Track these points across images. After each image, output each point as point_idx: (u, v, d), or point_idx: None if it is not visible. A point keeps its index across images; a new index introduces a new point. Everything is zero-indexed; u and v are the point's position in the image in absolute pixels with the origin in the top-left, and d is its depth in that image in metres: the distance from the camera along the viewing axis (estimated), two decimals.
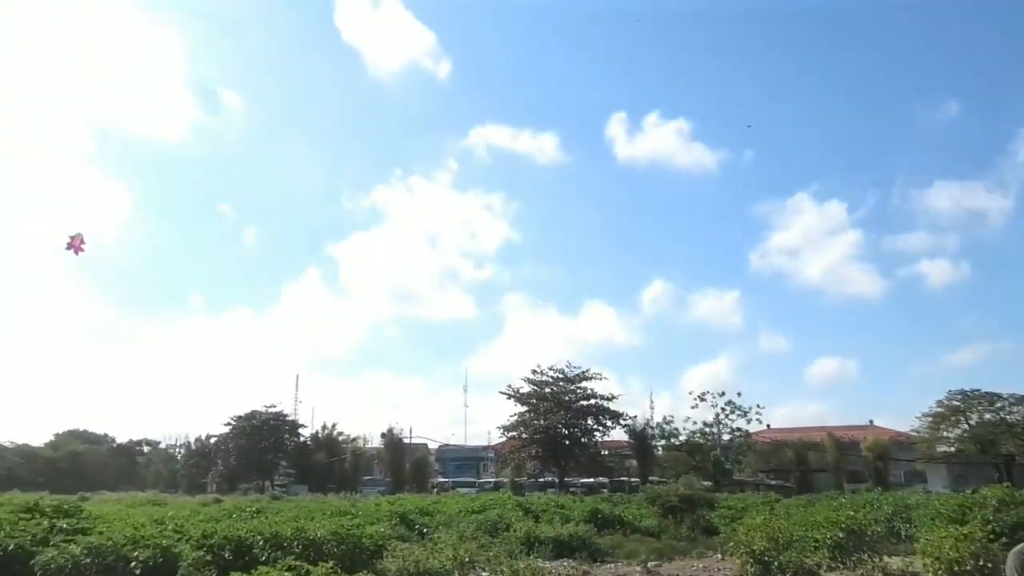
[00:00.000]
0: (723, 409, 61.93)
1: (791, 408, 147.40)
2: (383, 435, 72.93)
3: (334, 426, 79.57)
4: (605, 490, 55.90)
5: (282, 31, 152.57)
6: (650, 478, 57.44)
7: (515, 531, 21.03)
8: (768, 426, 70.61)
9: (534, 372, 63.29)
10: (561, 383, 62.59)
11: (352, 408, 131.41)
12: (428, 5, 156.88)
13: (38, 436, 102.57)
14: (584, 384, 62.45)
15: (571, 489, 55.88)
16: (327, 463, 72.58)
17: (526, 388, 63.11)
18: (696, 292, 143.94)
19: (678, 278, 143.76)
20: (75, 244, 22.23)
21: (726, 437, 62.91)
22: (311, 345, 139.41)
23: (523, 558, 16.28)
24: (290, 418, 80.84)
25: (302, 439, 78.96)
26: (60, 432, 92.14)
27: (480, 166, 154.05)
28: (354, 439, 79.12)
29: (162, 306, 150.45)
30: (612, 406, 62.16)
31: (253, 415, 76.16)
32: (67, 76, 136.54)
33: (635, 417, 64.46)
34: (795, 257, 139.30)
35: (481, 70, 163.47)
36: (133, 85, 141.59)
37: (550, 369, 63.30)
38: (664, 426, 65.24)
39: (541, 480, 63.34)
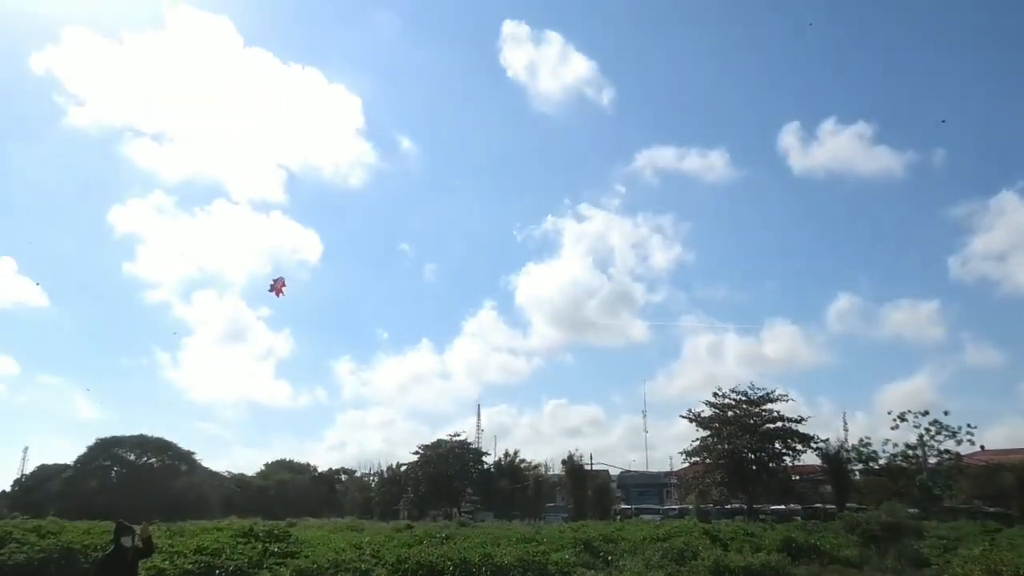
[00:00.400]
0: (927, 430, 57.01)
1: (1009, 428, 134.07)
2: (564, 462, 73.22)
3: (516, 453, 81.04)
4: (798, 517, 52.94)
5: (450, 75, 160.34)
6: (847, 504, 53.71)
7: (703, 560, 20.34)
8: (982, 447, 64.16)
9: (715, 395, 61.29)
10: (744, 406, 60.12)
11: (532, 435, 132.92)
12: (589, 36, 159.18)
13: (250, 466, 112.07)
14: (769, 406, 59.65)
15: (761, 516, 53.35)
16: (510, 490, 73.77)
17: (707, 412, 61.22)
18: (887, 304, 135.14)
19: (866, 291, 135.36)
20: (277, 287, 24.14)
21: (933, 460, 57.73)
22: (490, 374, 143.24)
23: None
24: (474, 446, 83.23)
25: (486, 466, 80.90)
26: (269, 462, 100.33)
27: (648, 189, 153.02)
28: (536, 466, 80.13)
29: (351, 343, 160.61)
30: (801, 429, 58.96)
31: (439, 444, 79.05)
32: (261, 135, 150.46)
33: (827, 440, 60.70)
34: (1003, 261, 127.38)
35: (644, 93, 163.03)
36: (317, 140, 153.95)
37: (732, 391, 61.07)
38: (861, 449, 60.84)
39: (728, 507, 60.94)
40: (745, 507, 58.24)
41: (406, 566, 15.52)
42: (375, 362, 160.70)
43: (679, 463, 78.15)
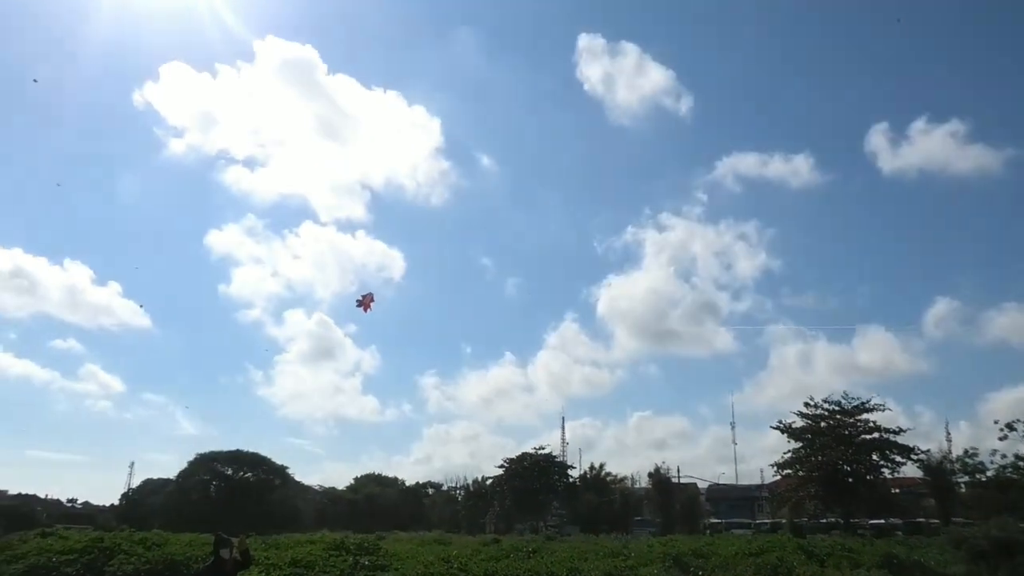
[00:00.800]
0: None
1: None
2: (650, 475, 72.27)
3: (602, 467, 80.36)
4: (899, 532, 50.59)
5: (527, 91, 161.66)
6: (952, 519, 51.05)
7: None
8: None
9: (807, 405, 59.29)
10: (838, 416, 57.97)
11: (617, 448, 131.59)
12: (665, 45, 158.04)
13: (340, 480, 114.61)
14: (865, 416, 57.36)
15: (859, 531, 51.21)
16: (597, 503, 73.13)
17: (799, 423, 59.29)
18: (991, 309, 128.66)
19: (967, 295, 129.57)
20: (366, 302, 24.75)
21: None
22: (573, 387, 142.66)
23: None
24: (559, 460, 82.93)
25: (571, 480, 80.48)
26: (359, 476, 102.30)
27: (730, 196, 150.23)
28: (622, 479, 79.30)
29: (436, 358, 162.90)
30: (900, 439, 56.47)
31: (524, 458, 79.12)
32: (345, 157, 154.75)
33: (928, 451, 57.99)
34: None
35: (723, 100, 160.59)
36: (399, 161, 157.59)
37: (825, 401, 58.95)
38: (966, 460, 57.57)
39: (823, 521, 58.79)
40: (842, 521, 56.07)
41: None
42: (459, 376, 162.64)
43: (770, 476, 76.03)
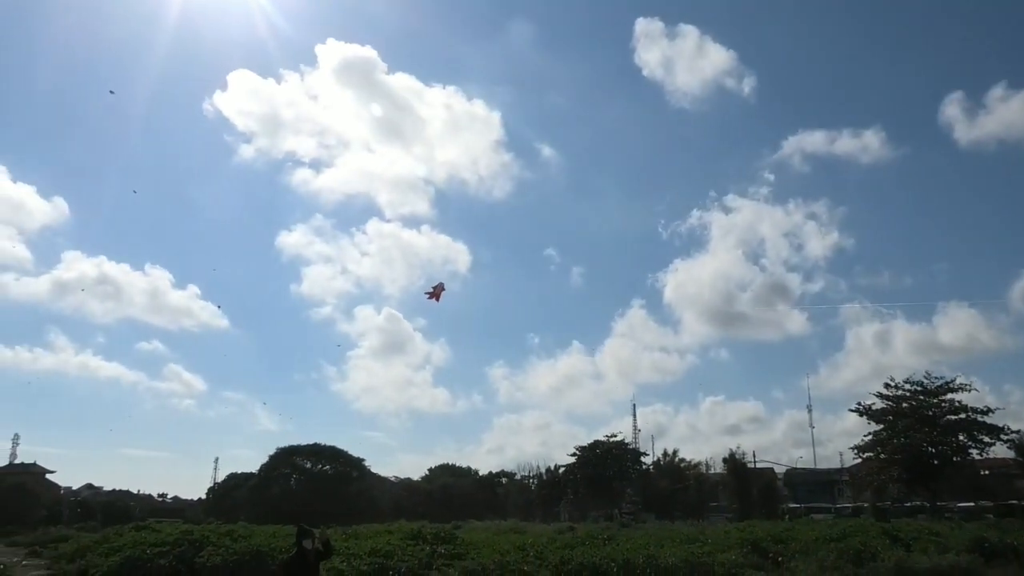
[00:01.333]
0: None
1: None
2: (725, 460, 71.19)
3: (675, 453, 79.60)
4: (990, 515, 48.68)
5: (586, 79, 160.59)
6: None
7: (883, 561, 19.11)
8: None
9: (887, 386, 57.52)
10: (921, 397, 56.04)
11: (690, 434, 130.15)
12: (726, 25, 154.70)
13: (415, 471, 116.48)
14: (949, 396, 55.30)
15: (946, 514, 49.51)
16: (671, 490, 72.51)
17: (879, 404, 57.54)
18: None
19: None
20: (436, 292, 25.07)
21: None
22: (643, 374, 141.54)
23: None
24: (631, 447, 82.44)
25: (645, 467, 79.95)
26: (433, 467, 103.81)
27: (798, 176, 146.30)
28: (696, 465, 78.34)
29: (504, 349, 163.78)
30: (989, 420, 54.15)
31: (596, 445, 78.91)
32: (408, 154, 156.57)
33: (1020, 431, 55.51)
34: None
35: (787, 78, 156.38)
36: (461, 156, 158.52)
37: (906, 382, 57.09)
38: None
39: (907, 504, 57.02)
40: (928, 505, 54.30)
41: (569, 567, 15.62)
42: (528, 366, 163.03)
43: (850, 459, 74.08)
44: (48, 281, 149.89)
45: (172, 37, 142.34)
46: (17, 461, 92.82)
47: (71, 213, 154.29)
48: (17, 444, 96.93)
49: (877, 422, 57.36)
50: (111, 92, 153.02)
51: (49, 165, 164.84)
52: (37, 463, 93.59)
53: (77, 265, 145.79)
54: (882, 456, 56.79)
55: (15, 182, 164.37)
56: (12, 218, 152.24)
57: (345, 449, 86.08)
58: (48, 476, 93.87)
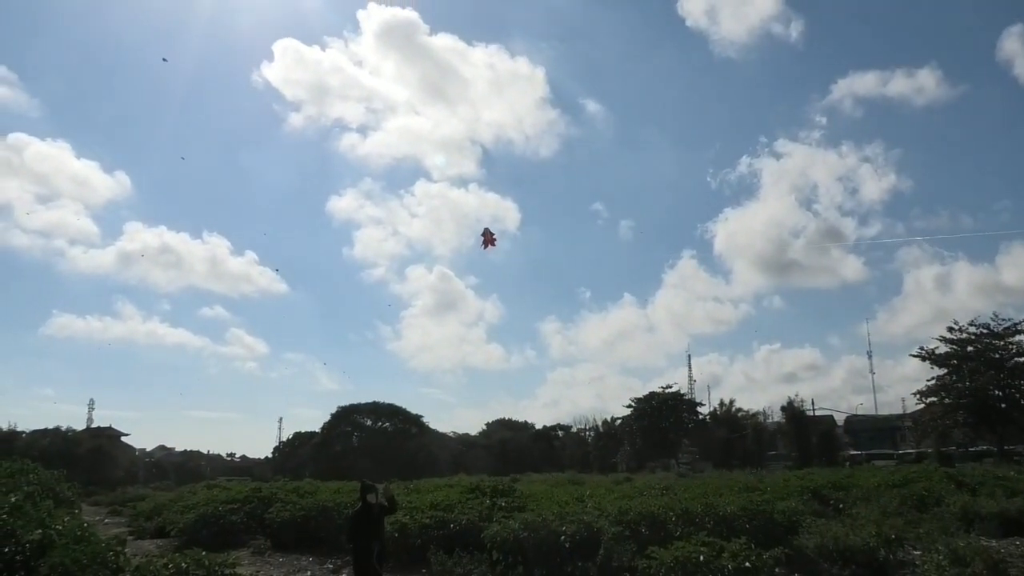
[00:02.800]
0: None
1: None
2: (783, 408, 70.62)
3: (732, 403, 79.29)
4: None
5: (628, 32, 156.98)
6: None
7: (948, 506, 18.83)
8: None
9: (951, 330, 56.12)
10: (987, 339, 54.51)
11: (746, 383, 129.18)
12: None
13: (472, 426, 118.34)
14: (1017, 338, 53.71)
15: (1015, 458, 48.41)
16: (728, 439, 72.38)
17: (943, 348, 56.17)
18: None
19: None
20: (488, 239, 25.05)
21: None
22: (697, 324, 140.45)
23: (962, 535, 14.55)
24: (687, 397, 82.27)
25: (701, 417, 79.79)
26: (490, 422, 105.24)
27: (849, 119, 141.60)
28: (754, 414, 77.92)
29: (555, 303, 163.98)
30: None
31: (652, 397, 78.93)
32: (454, 115, 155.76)
33: None
34: None
35: (836, 19, 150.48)
36: (507, 113, 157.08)
37: (971, 325, 55.57)
38: None
39: (972, 449, 55.89)
40: (995, 449, 53.14)
41: (628, 517, 15.72)
42: (580, 320, 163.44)
43: (913, 405, 72.71)
44: (113, 252, 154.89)
45: (217, 8, 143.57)
46: (94, 425, 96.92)
47: (132, 186, 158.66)
48: (93, 409, 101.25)
49: (941, 367, 56.10)
50: (164, 60, 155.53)
51: (110, 140, 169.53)
52: (112, 427, 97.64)
53: (139, 236, 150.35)
54: (946, 401, 55.60)
55: (79, 158, 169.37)
56: (78, 193, 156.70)
57: (403, 406, 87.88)
58: (123, 439, 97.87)
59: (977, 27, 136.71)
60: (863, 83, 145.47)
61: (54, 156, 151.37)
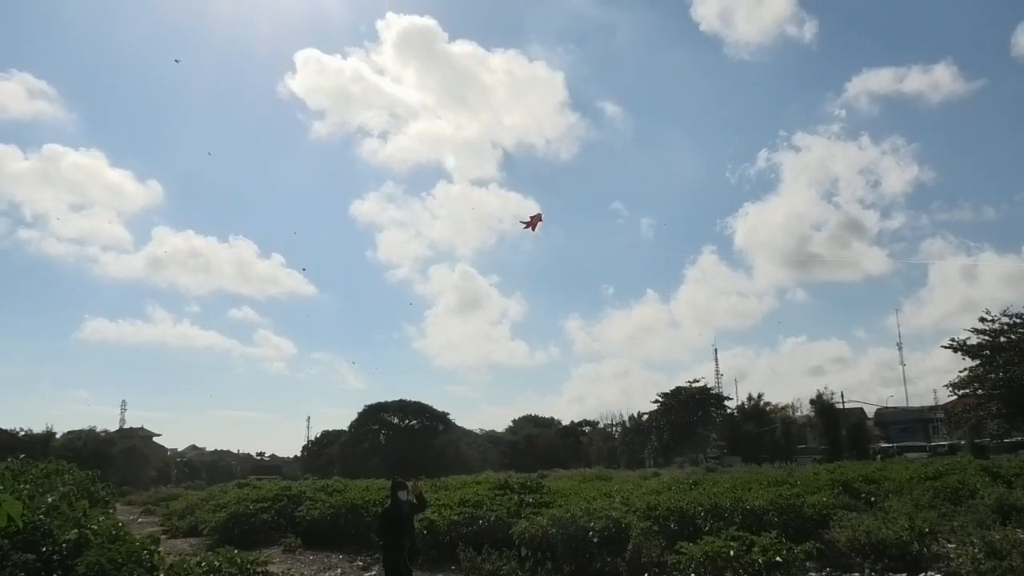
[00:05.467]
0: None
1: None
2: (812, 401, 69.96)
3: (760, 396, 78.66)
4: None
5: (644, 38, 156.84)
6: None
7: (982, 498, 18.52)
8: None
9: (983, 320, 55.10)
10: (1020, 330, 53.52)
11: (771, 377, 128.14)
12: None
13: (499, 423, 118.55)
14: None
15: None
16: (757, 433, 71.82)
17: (974, 339, 55.22)
18: None
19: None
20: (533, 222, 25.31)
21: None
22: (721, 319, 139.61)
23: (998, 528, 14.32)
24: (714, 392, 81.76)
25: (729, 411, 79.31)
26: (516, 419, 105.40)
27: (867, 116, 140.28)
28: (782, 408, 77.26)
29: (578, 301, 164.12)
30: None
31: (679, 392, 78.61)
32: (474, 119, 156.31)
33: None
34: None
35: (850, 19, 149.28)
36: (526, 117, 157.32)
37: (1003, 315, 54.56)
38: None
39: (1007, 440, 54.95)
40: None
41: (656, 512, 15.67)
42: (603, 317, 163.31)
43: (945, 396, 71.71)
44: (143, 257, 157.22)
45: (235, 20, 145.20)
46: (126, 426, 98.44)
47: (164, 194, 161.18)
48: (125, 410, 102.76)
49: (973, 357, 55.16)
50: (176, 61, 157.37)
51: (143, 150, 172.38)
52: (144, 427, 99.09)
53: (168, 240, 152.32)
54: (980, 392, 54.73)
55: (113, 167, 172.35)
56: (111, 200, 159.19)
57: (430, 404, 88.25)
58: (155, 439, 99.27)
59: (991, 22, 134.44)
60: (878, 80, 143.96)
61: (88, 165, 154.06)
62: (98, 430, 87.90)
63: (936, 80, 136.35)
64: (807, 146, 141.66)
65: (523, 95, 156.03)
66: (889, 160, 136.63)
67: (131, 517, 32.74)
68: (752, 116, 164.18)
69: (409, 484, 11.61)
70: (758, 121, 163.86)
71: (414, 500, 11.40)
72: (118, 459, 77.97)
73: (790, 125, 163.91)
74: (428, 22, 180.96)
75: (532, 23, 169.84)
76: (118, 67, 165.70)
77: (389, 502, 11.23)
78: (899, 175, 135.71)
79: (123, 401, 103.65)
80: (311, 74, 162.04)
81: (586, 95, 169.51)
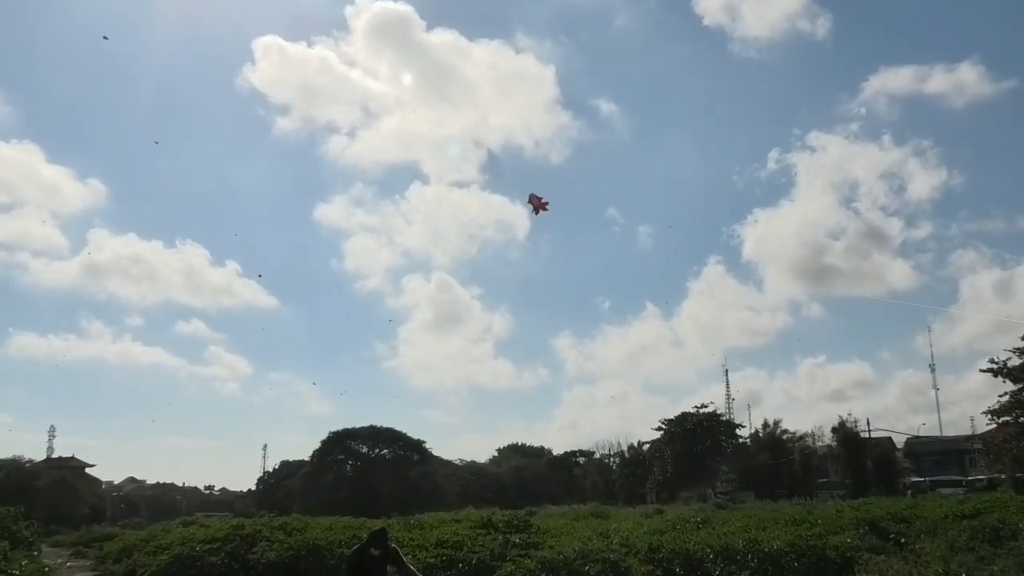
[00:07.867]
0: None
1: None
2: (834, 430, 70.22)
3: (776, 424, 78.79)
4: None
5: (642, 30, 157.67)
6: None
7: None
8: None
9: None
10: None
11: (787, 401, 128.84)
12: None
13: (481, 453, 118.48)
14: None
15: None
16: (773, 465, 72.00)
17: (1016, 360, 55.62)
18: None
19: None
20: (537, 204, 25.59)
21: None
22: (729, 337, 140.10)
23: None
24: (724, 418, 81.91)
25: (741, 440, 79.42)
26: (501, 448, 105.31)
27: (884, 117, 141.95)
28: (800, 437, 77.44)
29: (569, 316, 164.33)
30: None
31: (684, 418, 78.65)
32: (454, 115, 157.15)
33: None
34: None
35: (867, 13, 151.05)
36: (512, 113, 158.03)
37: None
38: None
39: None
40: None
41: (660, 555, 15.69)
42: (597, 334, 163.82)
43: (982, 424, 72.13)
44: (79, 264, 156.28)
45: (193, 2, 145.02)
46: (55, 455, 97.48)
47: (106, 192, 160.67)
48: (54, 437, 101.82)
49: (1015, 381, 55.57)
50: (104, 38, 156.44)
51: (82, 143, 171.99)
52: (75, 456, 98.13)
53: (107, 244, 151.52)
54: (1022, 420, 55.13)
55: (50, 163, 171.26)
56: (45, 200, 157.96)
57: (403, 431, 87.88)
58: (88, 470, 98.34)
59: (1019, 18, 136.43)
60: (897, 80, 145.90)
61: (21, 160, 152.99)
62: (23, 460, 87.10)
63: (961, 80, 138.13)
64: (823, 146, 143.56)
65: (509, 91, 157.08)
66: (914, 163, 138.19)
67: (59, 560, 32.42)
68: (760, 116, 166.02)
69: (392, 544, 11.38)
70: (767, 120, 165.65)
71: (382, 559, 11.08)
72: (45, 493, 77.16)
73: (804, 124, 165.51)
74: (403, 8, 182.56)
75: (519, 11, 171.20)
76: (60, 53, 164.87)
77: (359, 544, 11.13)
78: (926, 179, 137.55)
79: (52, 426, 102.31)
80: (272, 64, 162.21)
81: (579, 92, 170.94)
